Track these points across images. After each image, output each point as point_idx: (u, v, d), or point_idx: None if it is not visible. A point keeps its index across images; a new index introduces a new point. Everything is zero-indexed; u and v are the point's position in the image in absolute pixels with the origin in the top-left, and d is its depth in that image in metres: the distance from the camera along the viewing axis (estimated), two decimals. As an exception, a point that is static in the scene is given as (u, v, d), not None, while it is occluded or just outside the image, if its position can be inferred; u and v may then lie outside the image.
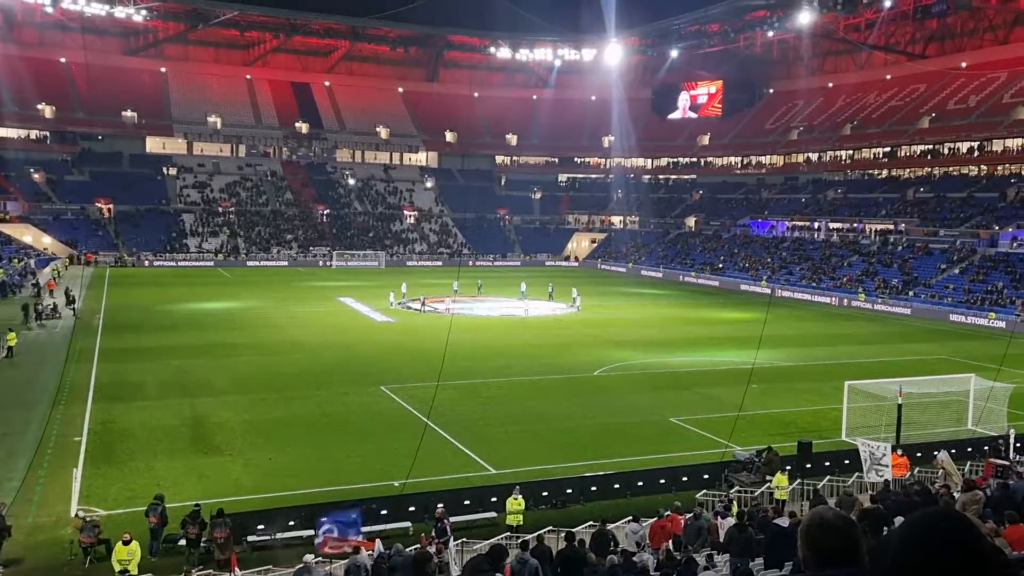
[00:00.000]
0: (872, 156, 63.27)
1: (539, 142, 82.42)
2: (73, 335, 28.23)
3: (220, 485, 14.40)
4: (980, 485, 9.62)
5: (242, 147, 74.82)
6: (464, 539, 11.83)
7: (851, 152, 64.97)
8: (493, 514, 13.34)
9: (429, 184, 77.20)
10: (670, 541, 10.48)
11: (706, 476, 14.97)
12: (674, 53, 77.28)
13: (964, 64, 61.43)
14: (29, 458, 15.53)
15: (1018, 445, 15.72)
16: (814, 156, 67.66)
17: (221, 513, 11.70)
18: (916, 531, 1.23)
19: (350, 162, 77.71)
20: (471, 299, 42.16)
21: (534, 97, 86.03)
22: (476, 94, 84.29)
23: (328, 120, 79.47)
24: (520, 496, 12.81)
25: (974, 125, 55.91)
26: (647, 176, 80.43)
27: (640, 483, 14.68)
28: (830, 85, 71.92)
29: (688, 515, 11.67)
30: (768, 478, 14.22)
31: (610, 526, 11.29)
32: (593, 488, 14.46)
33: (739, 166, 75.03)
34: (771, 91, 77.49)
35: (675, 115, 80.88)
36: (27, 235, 55.77)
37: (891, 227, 53.26)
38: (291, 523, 12.51)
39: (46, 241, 56.56)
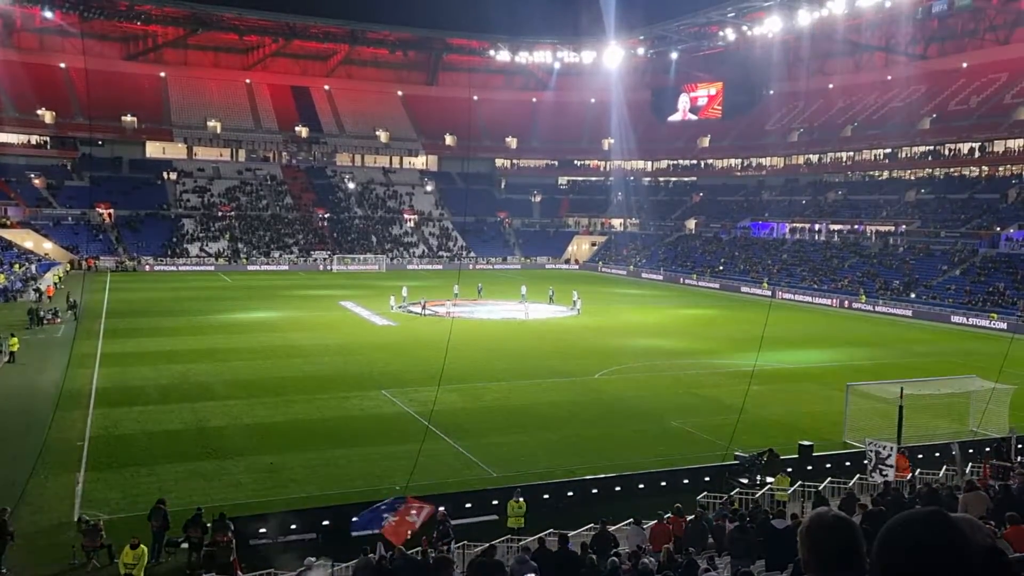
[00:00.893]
0: (873, 157, 63.29)
1: (539, 145, 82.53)
2: (75, 340, 28.26)
3: (221, 489, 14.40)
4: (984, 487, 9.61)
5: (242, 151, 74.96)
6: (465, 542, 11.82)
7: (851, 153, 65.00)
8: (494, 517, 13.34)
9: (429, 187, 77.29)
10: (671, 543, 10.47)
11: (707, 478, 14.96)
12: (674, 55, 77.45)
13: (965, 65, 61.49)
14: (31, 462, 15.52)
15: (1020, 447, 15.71)
16: (814, 158, 67.69)
17: (223, 517, 11.71)
18: (895, 533, 1.23)
19: (350, 166, 77.81)
20: (471, 302, 42.16)
21: (534, 100, 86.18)
22: (476, 97, 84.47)
23: (328, 124, 79.62)
24: (521, 499, 12.81)
25: (975, 126, 55.93)
26: (647, 178, 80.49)
27: (641, 485, 14.68)
28: (830, 86, 72.00)
29: (690, 517, 11.66)
30: (769, 480, 14.21)
31: (611, 528, 11.28)
32: (594, 491, 14.46)
33: (739, 168, 75.07)
34: (771, 92, 77.55)
35: (675, 117, 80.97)
36: (28, 240, 55.85)
37: (892, 229, 53.25)
38: (292, 527, 12.51)
39: (47, 246, 56.65)
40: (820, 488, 14.02)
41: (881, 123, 62.78)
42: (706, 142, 78.10)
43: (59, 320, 32.71)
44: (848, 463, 15.90)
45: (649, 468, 15.59)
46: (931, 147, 58.98)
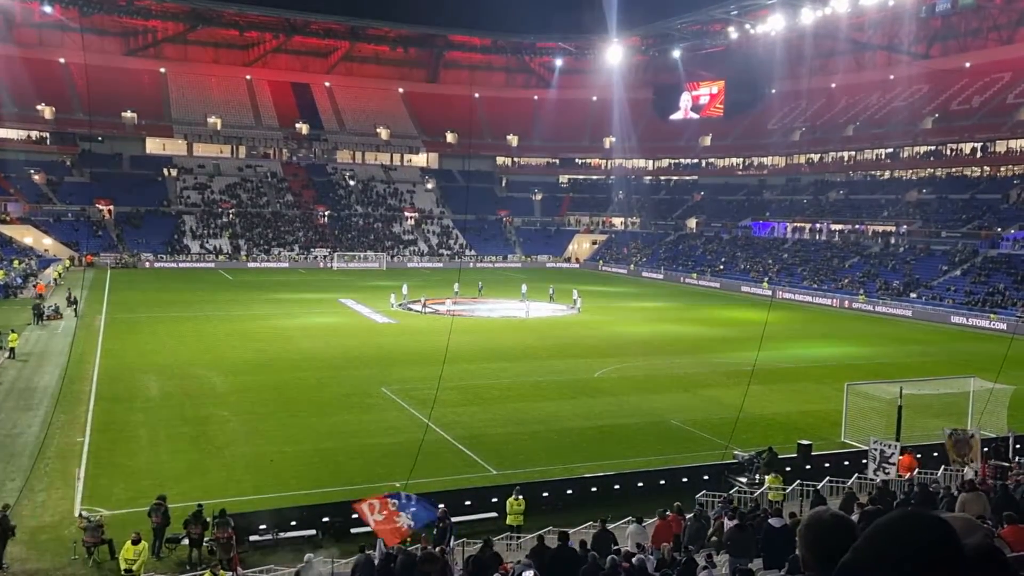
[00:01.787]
0: (874, 157, 63.22)
1: (540, 143, 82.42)
2: (75, 336, 28.30)
3: (222, 485, 14.44)
4: (985, 488, 9.64)
5: (242, 148, 74.89)
6: (465, 539, 11.86)
7: (853, 153, 64.92)
8: (494, 515, 13.38)
9: (430, 185, 77.23)
10: (671, 541, 10.50)
11: (706, 477, 14.99)
12: (676, 53, 77.30)
13: (968, 64, 61.35)
14: (32, 459, 15.57)
15: (1018, 447, 15.73)
16: (816, 157, 67.62)
17: (223, 513, 11.74)
18: (883, 533, 1.24)
19: (350, 163, 77.75)
20: (472, 301, 42.17)
21: (535, 98, 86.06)
22: (477, 95, 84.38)
23: (328, 121, 79.53)
24: (520, 497, 12.85)
25: (977, 126, 55.85)
26: (648, 177, 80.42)
27: (640, 484, 14.71)
28: (833, 86, 71.89)
29: (689, 515, 11.70)
30: (766, 479, 14.25)
31: (610, 526, 11.31)
32: (593, 489, 14.49)
33: (741, 167, 75.00)
34: (773, 91, 77.45)
35: (676, 116, 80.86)
36: (28, 236, 55.87)
37: (893, 229, 53.20)
38: (293, 523, 12.55)
39: (47, 242, 56.65)
40: (819, 487, 14.05)
41: (883, 123, 62.70)
42: (708, 141, 77.99)
43: (60, 316, 32.75)
44: (847, 462, 15.92)
45: (648, 467, 15.62)
46: (933, 147, 58.90)
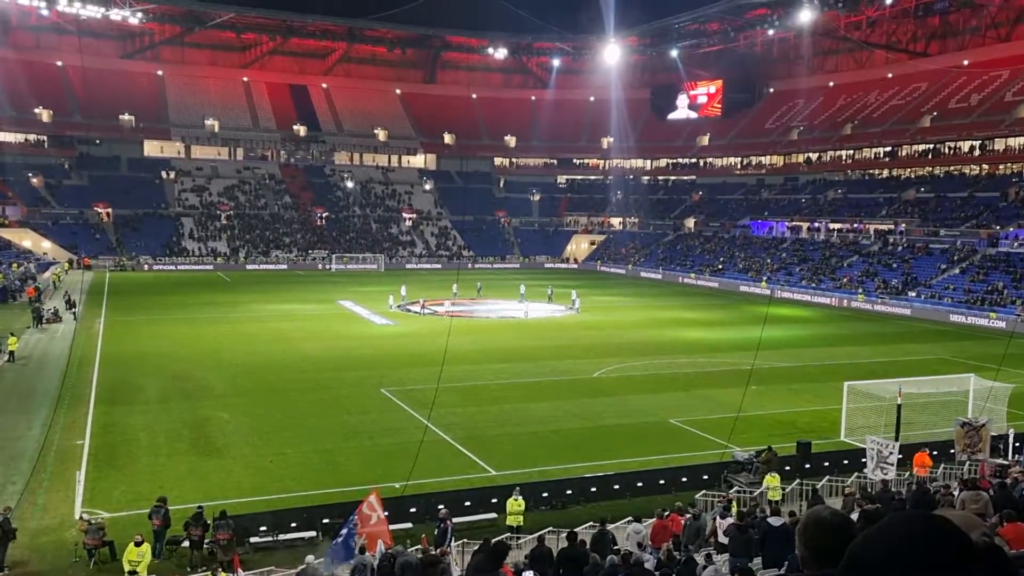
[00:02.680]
0: (873, 156, 63.27)
1: (538, 143, 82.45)
2: (74, 338, 28.25)
3: (222, 487, 14.43)
4: (985, 487, 9.65)
5: (240, 150, 74.84)
6: (465, 540, 11.86)
7: (851, 152, 64.97)
8: (493, 515, 13.38)
9: (428, 186, 77.23)
10: (670, 541, 10.51)
11: (705, 477, 15.01)
12: (673, 53, 77.38)
13: (966, 62, 61.41)
14: (32, 461, 15.55)
15: (1017, 445, 15.77)
16: (814, 156, 67.67)
17: (223, 515, 11.74)
18: (890, 532, 1.24)
19: (348, 165, 77.72)
20: (470, 301, 42.17)
21: (532, 98, 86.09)
22: (474, 95, 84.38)
23: (326, 122, 79.51)
24: (520, 497, 12.86)
25: (976, 124, 55.91)
26: (646, 177, 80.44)
27: (640, 484, 14.72)
28: (831, 84, 71.97)
29: (687, 515, 11.70)
30: (766, 478, 14.26)
31: (610, 526, 11.32)
32: (593, 489, 14.50)
33: (739, 166, 75.04)
34: (771, 90, 77.53)
35: (674, 115, 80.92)
36: (26, 240, 55.79)
37: (891, 227, 53.26)
38: (293, 524, 12.54)
39: (45, 246, 56.57)
40: (818, 486, 14.07)
41: (881, 121, 62.77)
42: (705, 140, 78.04)
43: (59, 319, 32.71)
44: (846, 461, 15.95)
45: (648, 466, 15.63)
46: (931, 145, 58.96)
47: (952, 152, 57.71)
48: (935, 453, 16.15)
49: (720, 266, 57.74)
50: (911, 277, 45.41)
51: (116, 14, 66.82)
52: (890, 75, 66.99)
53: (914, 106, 61.81)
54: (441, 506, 12.20)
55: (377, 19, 75.36)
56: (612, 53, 76.12)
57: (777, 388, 22.87)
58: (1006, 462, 14.21)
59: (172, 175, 69.34)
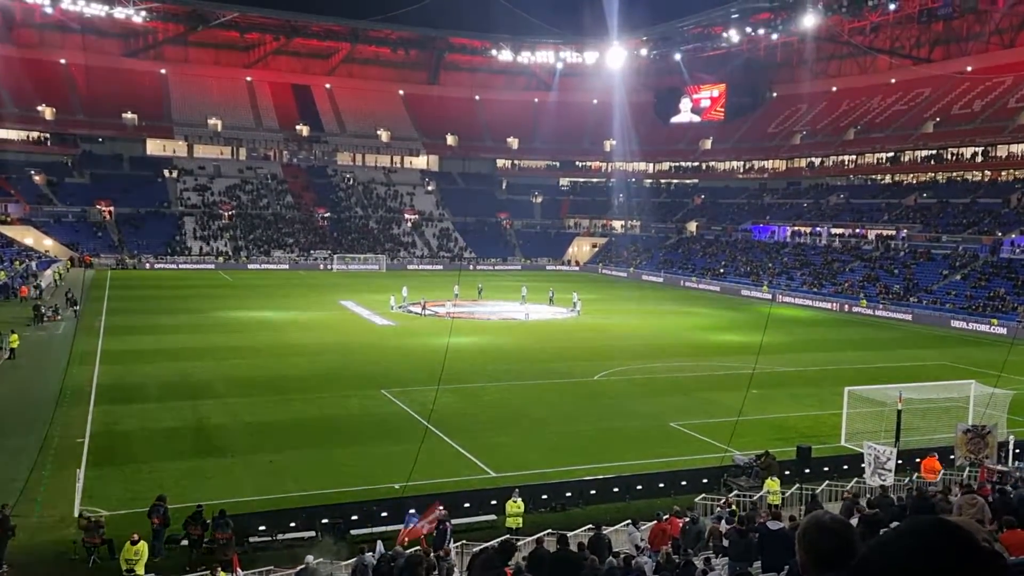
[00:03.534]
0: (875, 161, 63.24)
1: (540, 146, 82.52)
2: (75, 337, 28.29)
3: (221, 487, 14.43)
4: (985, 494, 9.64)
5: (242, 150, 74.97)
6: (464, 541, 11.85)
7: (854, 157, 64.96)
8: (493, 517, 13.37)
9: (430, 188, 77.31)
10: (669, 544, 10.49)
11: (705, 480, 14.99)
12: (677, 56, 77.45)
13: (969, 68, 61.41)
14: (32, 459, 15.57)
15: (1017, 451, 15.73)
16: (817, 161, 67.67)
17: (223, 514, 11.75)
18: (908, 538, 1.24)
19: (350, 165, 77.83)
20: (472, 303, 42.18)
21: (535, 100, 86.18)
22: (477, 97, 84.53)
23: (328, 123, 79.65)
24: (519, 499, 12.85)
25: (978, 130, 55.88)
26: (648, 180, 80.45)
27: (639, 487, 14.71)
28: (834, 89, 71.98)
29: (686, 519, 11.69)
30: (765, 483, 14.25)
31: (609, 529, 11.31)
32: (592, 491, 14.49)
33: (741, 170, 75.04)
34: (774, 95, 77.56)
35: (677, 119, 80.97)
36: (28, 237, 55.88)
37: (893, 233, 53.21)
38: (292, 524, 12.54)
39: (47, 243, 56.66)
40: (817, 491, 14.05)
41: (884, 126, 62.75)
42: (708, 144, 78.06)
43: (60, 317, 32.76)
44: (846, 466, 15.93)
45: (647, 469, 15.62)
46: (934, 151, 58.93)
47: (955, 158, 57.67)
48: (918, 461, 16.12)
49: (722, 270, 57.70)
50: (912, 283, 45.35)
51: (120, 12, 67.06)
52: (893, 80, 67.00)
53: (917, 112, 61.80)
54: (441, 507, 12.20)
55: (380, 20, 75.51)
56: (615, 56, 76.22)
57: (778, 392, 22.84)
58: (1006, 468, 14.18)
59: (174, 174, 69.45)
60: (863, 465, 14.96)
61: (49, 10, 65.32)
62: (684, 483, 14.88)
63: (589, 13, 72.72)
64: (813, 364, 27.68)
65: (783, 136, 71.67)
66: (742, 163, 74.98)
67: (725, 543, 10.17)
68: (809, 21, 62.68)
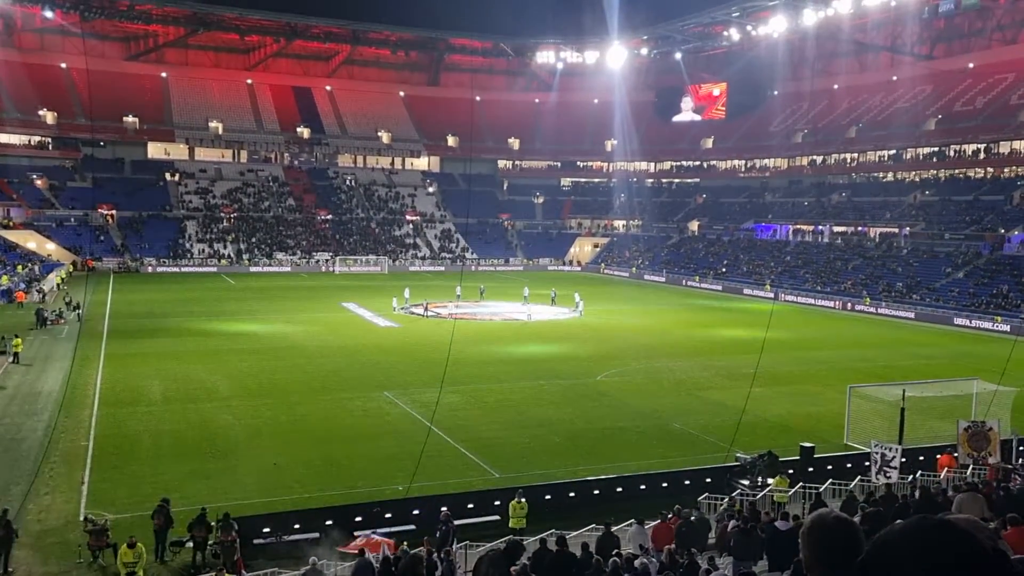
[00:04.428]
0: (877, 159, 63.13)
1: (542, 146, 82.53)
2: (78, 341, 28.38)
3: (226, 489, 14.47)
4: (988, 492, 9.62)
5: (244, 152, 75.10)
6: (468, 542, 11.86)
7: (856, 155, 64.85)
8: (496, 517, 13.37)
9: (431, 189, 77.37)
10: (673, 543, 10.48)
11: (708, 480, 14.97)
12: (678, 55, 77.38)
13: (971, 65, 61.27)
14: (37, 462, 15.61)
15: (1021, 448, 15.69)
16: (818, 159, 67.57)
17: (227, 516, 11.77)
18: (910, 538, 1.25)
19: (352, 167, 77.92)
20: (474, 304, 42.20)
21: (536, 101, 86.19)
22: (478, 98, 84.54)
23: (329, 125, 79.77)
24: (523, 500, 12.85)
25: (981, 127, 55.75)
26: (650, 180, 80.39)
27: (643, 487, 14.71)
28: (835, 87, 71.84)
29: (692, 519, 11.67)
30: (769, 481, 14.23)
31: (613, 529, 11.30)
32: (596, 492, 14.49)
33: (743, 169, 74.96)
34: (775, 93, 77.45)
35: (679, 118, 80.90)
36: (31, 241, 56.05)
37: (895, 231, 53.09)
38: (296, 526, 12.57)
39: (50, 247, 56.82)
40: (820, 490, 14.02)
41: (886, 124, 62.61)
42: (710, 143, 77.99)
43: (63, 321, 32.87)
44: (849, 465, 15.90)
45: (651, 469, 15.61)
46: (936, 148, 58.78)
47: (957, 155, 57.53)
48: (938, 457, 16.09)
49: (724, 269, 57.62)
50: (915, 280, 45.24)
51: (120, 16, 67.21)
52: (895, 78, 66.85)
53: (919, 109, 61.66)
54: (444, 508, 12.21)
55: (381, 22, 75.63)
56: (616, 56, 76.21)
57: (781, 391, 22.81)
58: (1010, 466, 14.15)
59: (176, 177, 69.61)
60: (867, 463, 14.94)
61: (49, 14, 65.50)
62: (687, 483, 14.87)
63: (589, 13, 72.77)
64: (816, 362, 27.62)
65: (785, 134, 71.55)
66: (744, 162, 74.89)
67: (729, 542, 10.16)
68: (810, 19, 62.57)
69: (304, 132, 77.27)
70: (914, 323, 39.68)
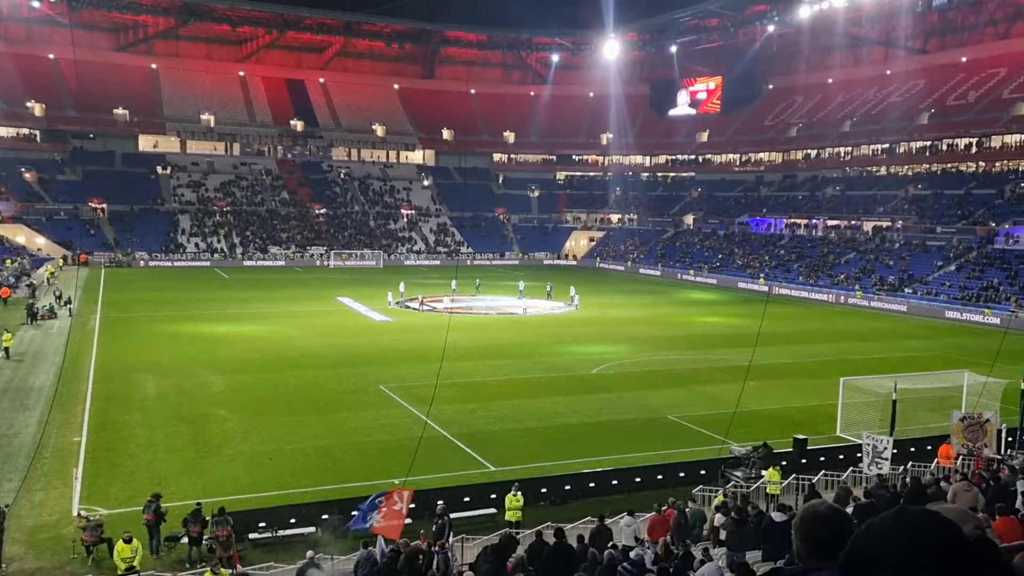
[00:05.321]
0: (871, 152, 63.38)
1: (537, 139, 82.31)
2: (70, 335, 28.18)
3: (220, 484, 14.45)
4: (977, 482, 9.75)
5: (236, 145, 74.47)
6: (464, 535, 11.91)
7: (850, 149, 65.07)
8: (492, 510, 13.43)
9: (426, 183, 77.07)
10: (668, 535, 10.58)
11: (703, 472, 15.08)
12: (673, 48, 77.22)
13: (964, 59, 61.47)
14: (29, 458, 15.53)
15: (1009, 439, 15.89)
16: (813, 153, 67.75)
17: (222, 511, 11.76)
18: (894, 528, 1.25)
19: (346, 160, 77.48)
20: (469, 298, 42.19)
21: (532, 94, 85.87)
22: (473, 91, 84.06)
23: (323, 118, 79.19)
24: (519, 493, 12.91)
25: (973, 121, 56.02)
26: (645, 174, 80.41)
27: (638, 479, 14.80)
28: (830, 81, 71.93)
29: (688, 510, 11.77)
30: (763, 473, 14.36)
31: (608, 521, 11.38)
32: (591, 484, 14.57)
33: (738, 163, 75.06)
34: (770, 87, 77.46)
35: (674, 112, 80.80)
36: (20, 236, 55.49)
37: (888, 224, 53.39)
38: (291, 521, 12.58)
39: (39, 241, 56.28)
40: (814, 481, 14.17)
41: (879, 118, 62.81)
42: (705, 137, 78.00)
43: (54, 316, 32.60)
44: (842, 456, 16.06)
45: (646, 462, 15.71)
46: (929, 142, 59.06)
47: (949, 149, 57.82)
48: (929, 448, 16.28)
49: (718, 263, 57.82)
50: (907, 274, 45.58)
51: (109, 5, 66.28)
52: (889, 72, 66.99)
53: (912, 103, 61.87)
54: (440, 502, 12.25)
55: (375, 13, 74.94)
56: (611, 49, 75.94)
57: (775, 384, 22.97)
58: (998, 456, 14.34)
59: (168, 170, 68.98)
60: (859, 455, 15.09)
61: (36, 4, 64.43)
62: (682, 475, 14.98)
63: (585, 6, 72.48)
64: (809, 355, 27.82)
65: (779, 128, 71.66)
66: (739, 156, 74.98)
67: (723, 535, 10.26)
68: (805, 12, 62.54)
69: (297, 125, 76.69)
70: (906, 316, 40.01)
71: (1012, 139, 54.04)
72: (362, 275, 54.04)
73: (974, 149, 56.11)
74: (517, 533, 12.22)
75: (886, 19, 66.67)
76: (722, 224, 65.42)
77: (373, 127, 79.39)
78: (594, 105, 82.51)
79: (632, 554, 8.91)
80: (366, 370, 23.96)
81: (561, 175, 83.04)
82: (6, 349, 24.86)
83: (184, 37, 77.73)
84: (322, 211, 69.34)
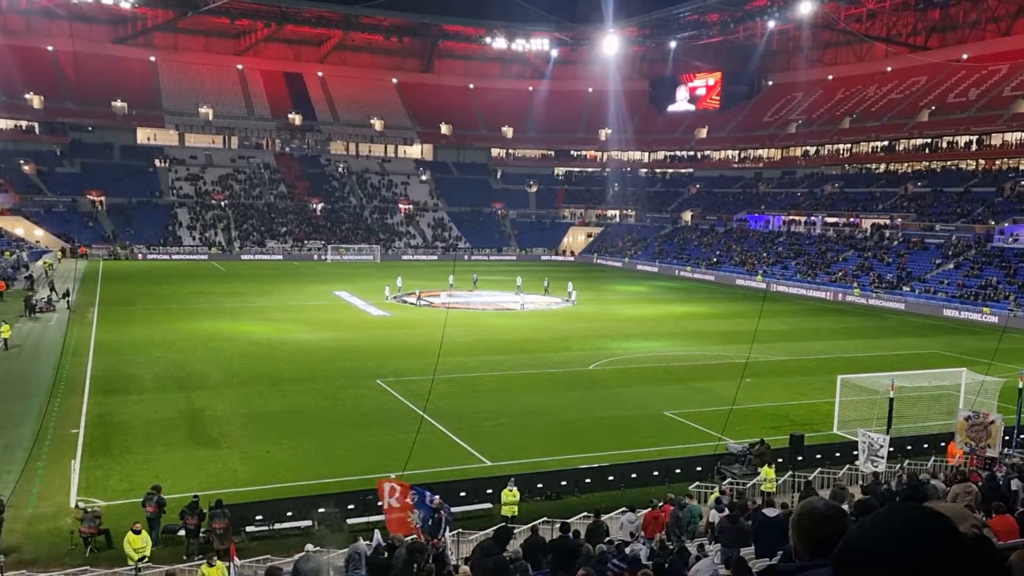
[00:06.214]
0: (870, 150, 63.32)
1: (535, 135, 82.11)
2: (68, 327, 28.13)
3: (218, 476, 14.47)
4: (975, 480, 9.77)
5: (234, 139, 74.22)
6: (460, 530, 11.94)
7: (849, 146, 65.00)
8: (488, 505, 13.46)
9: (424, 177, 76.90)
10: (663, 531, 10.61)
11: (699, 468, 15.13)
12: (672, 44, 76.95)
13: (965, 56, 61.36)
14: (27, 450, 15.53)
15: (1007, 438, 15.95)
16: (812, 150, 67.68)
17: (219, 504, 11.78)
18: (888, 525, 1.24)
19: (344, 155, 77.27)
20: (467, 293, 42.18)
21: (530, 89, 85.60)
22: (471, 85, 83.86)
23: (321, 111, 78.90)
24: (515, 488, 12.94)
25: (973, 119, 55.95)
26: (644, 169, 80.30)
27: (634, 475, 14.84)
28: (830, 77, 71.82)
29: (684, 507, 11.80)
30: (759, 470, 14.40)
31: (604, 517, 11.41)
32: (587, 480, 14.61)
33: (736, 160, 74.98)
34: (770, 83, 77.31)
35: (673, 107, 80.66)
36: (19, 227, 55.33)
37: (887, 221, 53.41)
38: (288, 514, 12.59)
39: (38, 234, 56.13)
40: (810, 478, 14.21)
41: (880, 115, 62.75)
42: (703, 133, 77.86)
43: (53, 308, 32.53)
44: (838, 454, 16.12)
45: (642, 458, 15.74)
46: (928, 140, 59.02)
47: (949, 147, 57.79)
48: (926, 446, 16.34)
49: (716, 259, 57.84)
50: (906, 271, 45.63)
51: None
52: (889, 68, 66.87)
53: (912, 100, 61.78)
54: (436, 496, 12.26)
55: (373, 6, 74.51)
56: (610, 44, 75.67)
57: (772, 381, 23.02)
58: (995, 455, 14.39)
59: (166, 163, 68.72)
60: (855, 452, 15.14)
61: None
62: (678, 471, 15.02)
63: (584, 0, 72.10)
64: (807, 353, 27.88)
65: (778, 125, 71.55)
66: (737, 152, 74.87)
67: (718, 531, 10.29)
68: (805, 8, 62.34)
69: (296, 118, 76.40)
70: (904, 314, 40.08)
71: (1012, 137, 54.00)
72: (359, 269, 53.98)
73: (974, 147, 56.06)
74: (513, 527, 12.26)
75: (887, 15, 66.49)
76: (720, 220, 65.41)
77: (371, 121, 79.12)
78: (593, 100, 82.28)
79: (627, 550, 8.94)
80: (363, 364, 23.96)
81: (559, 171, 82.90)
82: (4, 340, 24.80)
83: (182, 30, 77.29)
84: (320, 205, 69.19)
